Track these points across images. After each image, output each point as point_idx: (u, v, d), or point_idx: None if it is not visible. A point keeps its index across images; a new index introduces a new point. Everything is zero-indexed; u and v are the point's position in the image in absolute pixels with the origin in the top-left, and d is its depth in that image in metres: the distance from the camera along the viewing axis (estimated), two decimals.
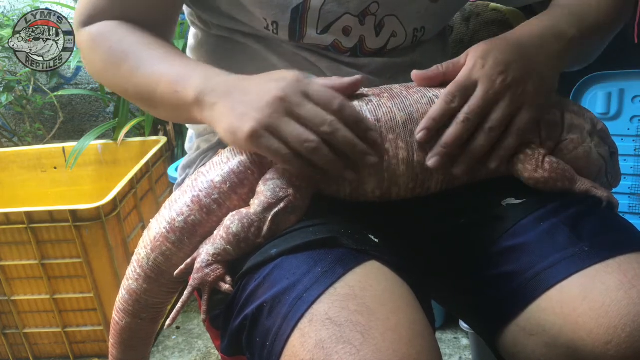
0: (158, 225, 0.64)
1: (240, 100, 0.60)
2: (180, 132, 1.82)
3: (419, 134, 0.62)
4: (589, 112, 0.72)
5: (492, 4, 1.10)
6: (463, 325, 1.20)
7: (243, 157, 0.63)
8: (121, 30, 0.71)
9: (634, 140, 1.20)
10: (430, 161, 0.62)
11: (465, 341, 1.46)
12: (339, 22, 0.70)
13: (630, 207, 1.21)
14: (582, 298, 0.55)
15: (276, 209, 0.60)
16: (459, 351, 1.43)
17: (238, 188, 0.62)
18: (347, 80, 0.63)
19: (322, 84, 0.61)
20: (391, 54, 0.75)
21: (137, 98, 0.72)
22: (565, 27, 0.69)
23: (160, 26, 0.74)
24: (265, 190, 0.60)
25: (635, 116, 1.19)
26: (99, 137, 1.74)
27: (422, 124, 0.62)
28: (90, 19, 0.72)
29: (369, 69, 0.73)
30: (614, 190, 0.76)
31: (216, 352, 1.53)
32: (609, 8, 0.74)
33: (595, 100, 1.19)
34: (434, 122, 0.62)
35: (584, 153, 0.69)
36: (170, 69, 0.67)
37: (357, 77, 0.63)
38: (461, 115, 0.62)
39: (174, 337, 1.61)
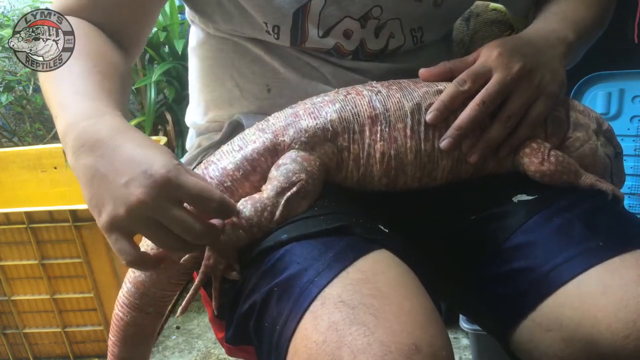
0: None
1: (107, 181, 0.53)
2: (180, 132, 1.82)
3: (429, 115, 0.64)
4: (594, 112, 0.73)
5: (492, 4, 1.10)
6: (463, 325, 1.20)
7: (256, 145, 0.63)
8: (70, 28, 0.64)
9: (634, 140, 1.20)
10: (443, 143, 0.64)
11: (465, 341, 1.45)
12: (339, 25, 0.70)
13: (630, 207, 1.21)
14: (600, 292, 0.55)
15: (289, 194, 0.60)
16: (459, 351, 1.43)
17: (250, 175, 0.63)
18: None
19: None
20: (395, 59, 0.75)
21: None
22: (565, 32, 0.72)
23: (126, 40, 0.71)
24: (279, 175, 0.61)
25: (635, 116, 1.19)
26: None
27: (433, 106, 0.64)
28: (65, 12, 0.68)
29: (373, 74, 0.73)
30: None
31: (216, 352, 1.53)
32: (596, 14, 0.78)
33: (595, 100, 1.19)
34: (443, 104, 0.64)
35: (590, 150, 0.69)
36: (65, 90, 0.60)
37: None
38: (477, 99, 0.64)
39: (174, 337, 1.61)
